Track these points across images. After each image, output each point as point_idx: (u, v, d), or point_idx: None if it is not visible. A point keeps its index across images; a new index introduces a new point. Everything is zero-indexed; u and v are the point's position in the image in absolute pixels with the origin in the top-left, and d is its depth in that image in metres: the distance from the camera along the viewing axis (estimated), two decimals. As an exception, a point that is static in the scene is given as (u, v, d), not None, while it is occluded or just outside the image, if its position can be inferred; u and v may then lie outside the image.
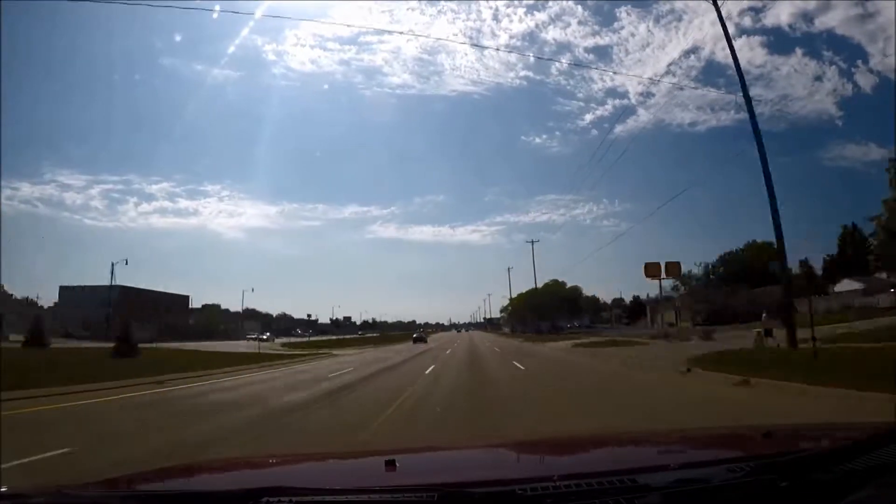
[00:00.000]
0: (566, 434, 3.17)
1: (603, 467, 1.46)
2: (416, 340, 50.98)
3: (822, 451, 1.33)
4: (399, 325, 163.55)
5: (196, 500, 1.27)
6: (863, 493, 1.15)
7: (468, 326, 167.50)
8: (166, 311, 71.33)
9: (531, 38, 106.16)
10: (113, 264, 58.68)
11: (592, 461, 1.90)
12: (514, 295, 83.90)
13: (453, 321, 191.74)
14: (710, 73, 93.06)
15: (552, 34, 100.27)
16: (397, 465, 1.56)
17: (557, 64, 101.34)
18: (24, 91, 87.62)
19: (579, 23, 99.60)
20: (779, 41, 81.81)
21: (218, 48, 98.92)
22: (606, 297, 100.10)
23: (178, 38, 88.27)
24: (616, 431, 3.98)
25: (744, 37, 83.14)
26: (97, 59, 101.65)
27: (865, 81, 60.23)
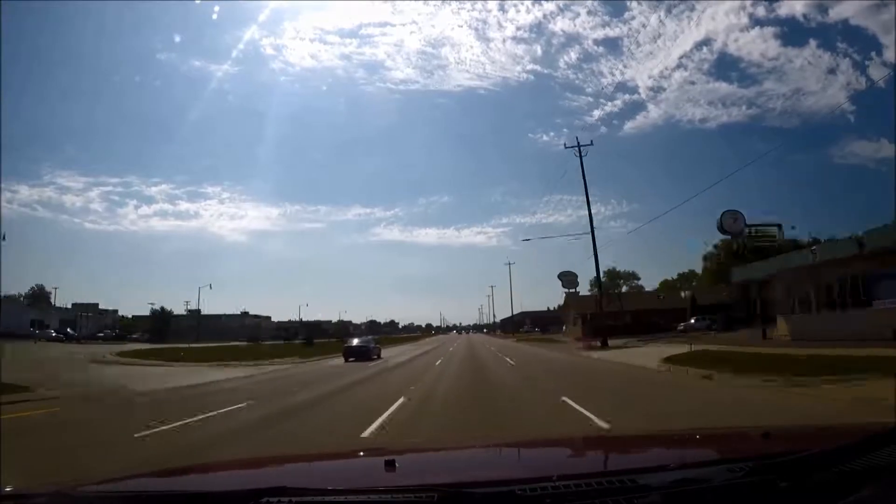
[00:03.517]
0: (566, 434, 3.18)
1: (602, 467, 1.47)
2: (351, 354, 27.58)
3: (821, 451, 1.33)
4: (398, 328, 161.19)
5: (196, 501, 1.27)
6: (863, 494, 1.15)
7: (469, 329, 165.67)
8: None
9: (539, 29, 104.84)
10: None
11: (592, 461, 1.90)
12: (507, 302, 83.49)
13: (457, 324, 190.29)
14: (721, 67, 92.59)
15: (560, 25, 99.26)
16: (397, 465, 1.56)
17: (566, 57, 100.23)
18: (22, 91, 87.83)
19: (588, 13, 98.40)
20: (793, 32, 78.50)
21: (216, 42, 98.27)
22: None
23: (174, 32, 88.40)
24: (616, 432, 3.98)
25: (757, 28, 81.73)
26: (94, 58, 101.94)
27: (879, 75, 59.30)
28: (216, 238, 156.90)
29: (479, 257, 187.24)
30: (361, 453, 2.28)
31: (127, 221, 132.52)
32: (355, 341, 31.00)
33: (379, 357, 28.94)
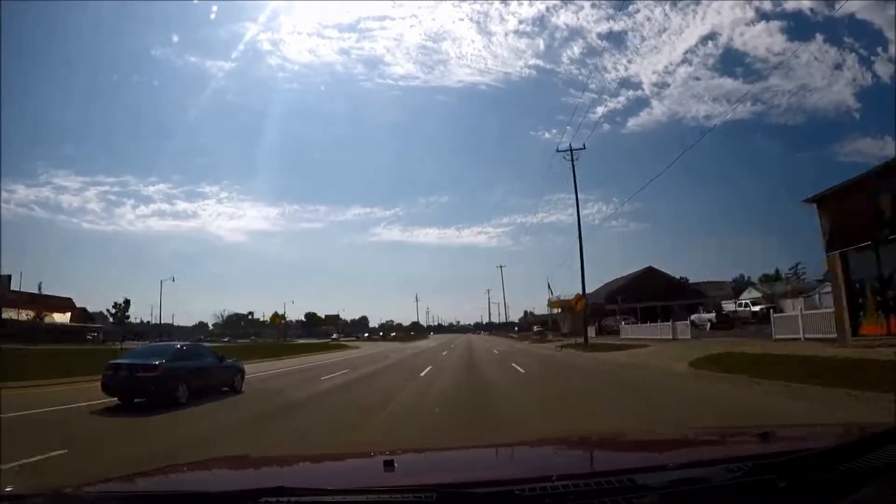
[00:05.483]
0: (566, 434, 3.18)
1: (602, 467, 1.47)
2: (118, 386, 9.66)
3: (821, 451, 1.33)
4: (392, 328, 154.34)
5: (195, 501, 1.27)
6: (863, 494, 1.15)
7: (468, 329, 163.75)
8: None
9: (541, 22, 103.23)
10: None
11: (591, 461, 1.90)
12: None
13: (453, 322, 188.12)
14: (726, 62, 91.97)
15: (563, 18, 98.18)
16: (396, 465, 1.56)
17: (568, 52, 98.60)
18: (18, 90, 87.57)
19: (592, 6, 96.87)
20: (799, 26, 75.94)
21: (212, 38, 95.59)
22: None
23: (170, 30, 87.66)
24: (616, 432, 3.98)
25: (763, 22, 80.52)
26: (90, 56, 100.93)
27: (885, 71, 58.66)
28: (215, 238, 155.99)
29: (479, 257, 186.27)
30: (360, 453, 2.27)
31: (124, 221, 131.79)
32: (171, 351, 11.34)
33: (237, 390, 12.31)
